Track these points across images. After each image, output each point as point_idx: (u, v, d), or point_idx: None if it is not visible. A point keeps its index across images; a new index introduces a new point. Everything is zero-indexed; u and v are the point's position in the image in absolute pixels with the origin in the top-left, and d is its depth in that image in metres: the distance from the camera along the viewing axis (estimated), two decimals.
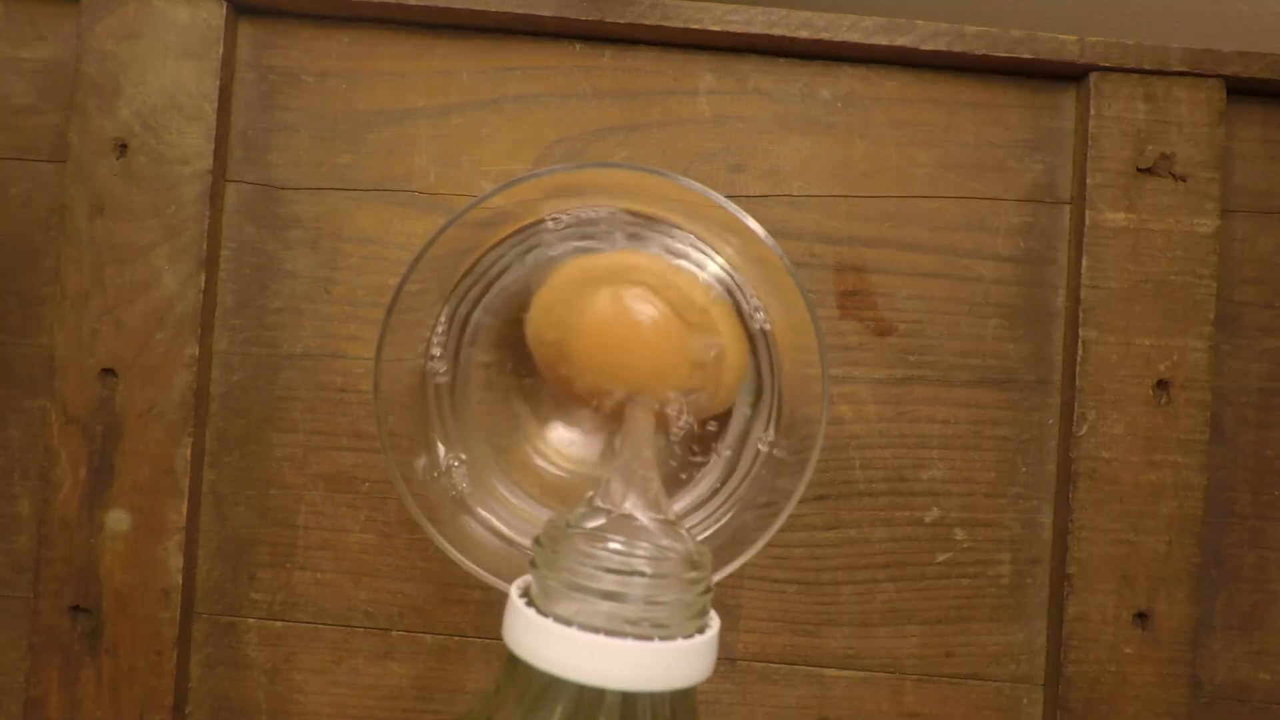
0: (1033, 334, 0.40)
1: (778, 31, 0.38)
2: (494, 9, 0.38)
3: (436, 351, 0.36)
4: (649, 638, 0.25)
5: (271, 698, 0.39)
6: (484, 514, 0.36)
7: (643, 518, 0.27)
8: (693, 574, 0.26)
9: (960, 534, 0.39)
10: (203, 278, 0.38)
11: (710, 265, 0.37)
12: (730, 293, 0.36)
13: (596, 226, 0.36)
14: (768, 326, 0.36)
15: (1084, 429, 0.38)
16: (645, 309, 0.34)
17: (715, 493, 0.37)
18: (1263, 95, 0.40)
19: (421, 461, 0.35)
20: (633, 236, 0.37)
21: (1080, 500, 0.38)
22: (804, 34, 0.38)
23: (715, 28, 0.38)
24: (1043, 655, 0.39)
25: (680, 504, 0.38)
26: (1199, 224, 0.38)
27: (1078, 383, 0.38)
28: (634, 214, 0.37)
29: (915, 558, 0.39)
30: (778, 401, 0.36)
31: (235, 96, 0.40)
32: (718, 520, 0.36)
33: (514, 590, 0.27)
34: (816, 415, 0.34)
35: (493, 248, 0.36)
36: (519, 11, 0.38)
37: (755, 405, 0.37)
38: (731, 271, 0.36)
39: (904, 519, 0.39)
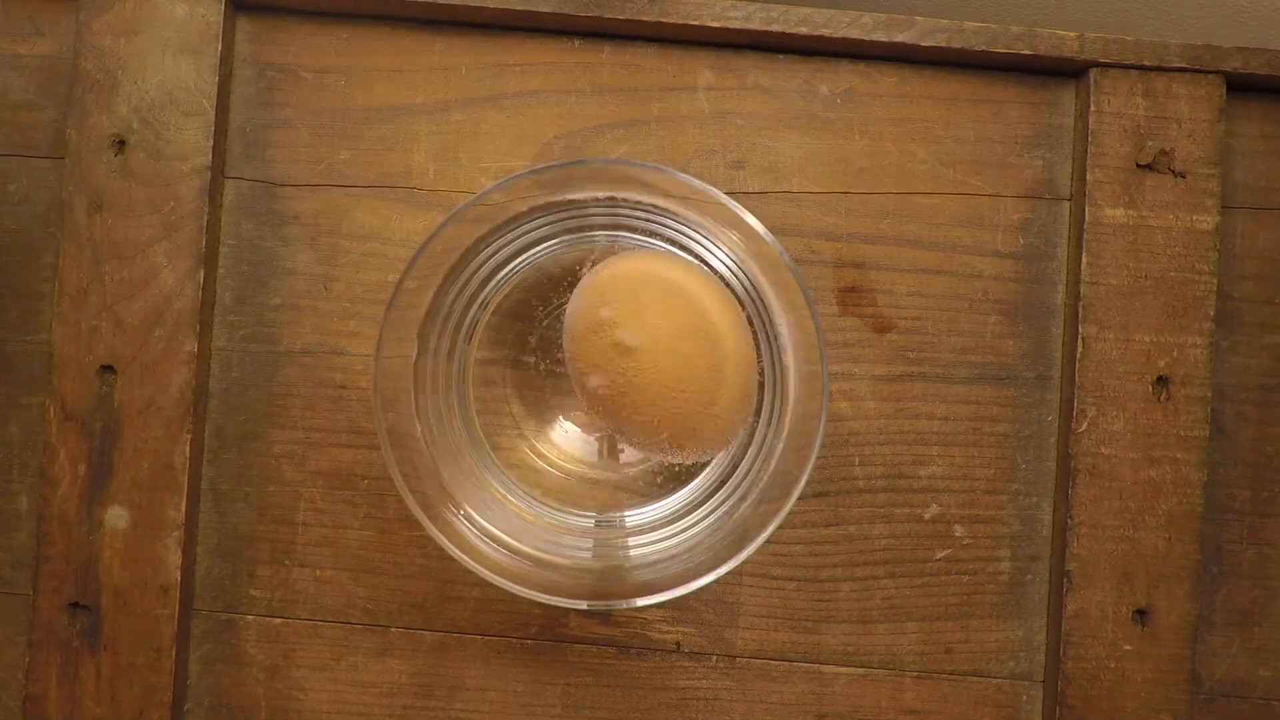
0: (1032, 330, 0.40)
1: (776, 28, 0.38)
2: (492, 5, 0.38)
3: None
4: None
5: (271, 695, 0.39)
6: (478, 519, 0.36)
7: None
8: None
9: (960, 530, 0.39)
10: (201, 274, 0.38)
11: (729, 278, 0.37)
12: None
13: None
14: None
15: (1084, 425, 0.38)
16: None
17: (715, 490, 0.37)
18: (1262, 91, 0.40)
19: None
20: (633, 230, 0.37)
21: (1080, 497, 0.38)
22: (803, 30, 0.38)
23: (714, 24, 0.38)
24: (1042, 652, 0.39)
25: (678, 500, 0.38)
26: (1198, 220, 0.38)
27: (1077, 379, 0.38)
28: (635, 210, 0.37)
29: (915, 554, 0.39)
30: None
31: (233, 93, 0.40)
32: (718, 517, 0.36)
33: None
34: (816, 412, 0.34)
35: (488, 241, 0.36)
36: (518, 8, 0.38)
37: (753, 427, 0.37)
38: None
39: (903, 515, 0.39)
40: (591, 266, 0.35)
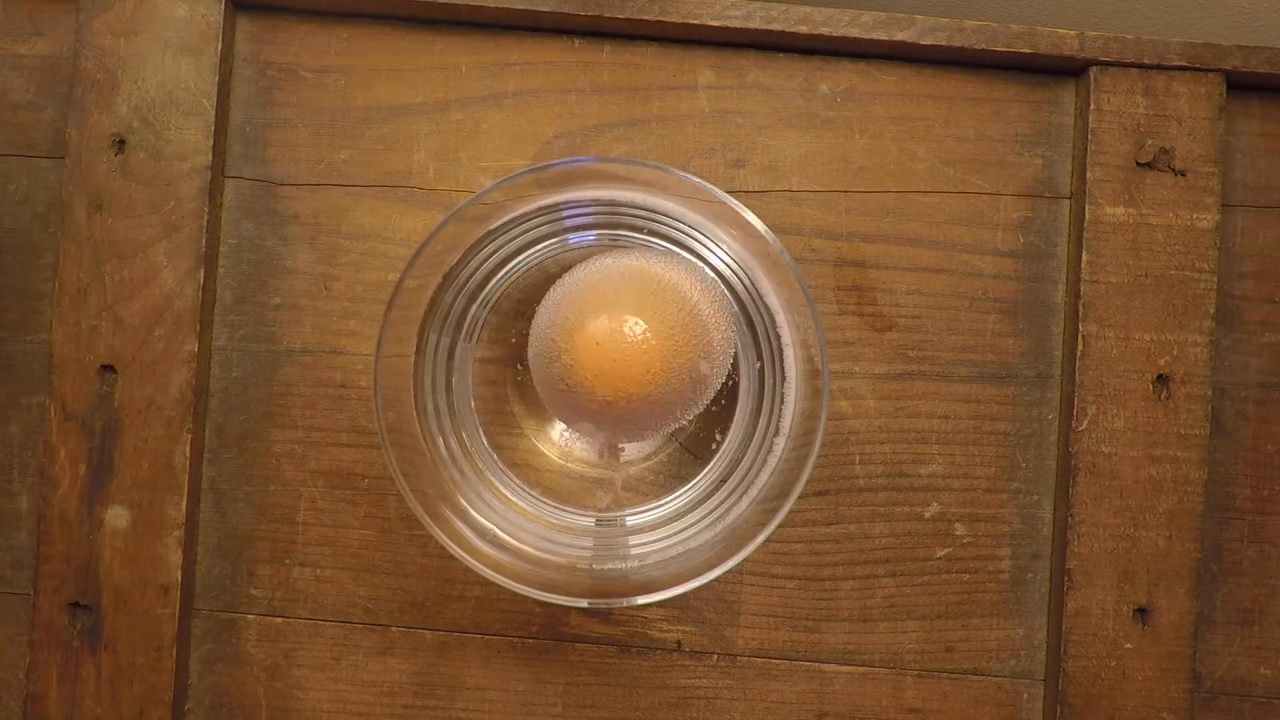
0: (1032, 329, 0.40)
1: (777, 27, 0.38)
2: (493, 5, 0.38)
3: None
4: None
5: (271, 694, 0.39)
6: (479, 518, 0.36)
7: None
8: None
9: (960, 529, 0.39)
10: (201, 274, 0.38)
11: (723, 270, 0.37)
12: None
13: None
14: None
15: (1084, 424, 0.38)
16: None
17: (715, 490, 0.37)
18: (1262, 90, 0.40)
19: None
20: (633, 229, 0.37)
21: (1080, 495, 0.38)
22: (803, 29, 0.38)
23: (714, 23, 0.38)
24: (1043, 650, 0.39)
25: (678, 500, 0.38)
26: (1199, 218, 0.38)
27: (1078, 378, 0.38)
28: (635, 210, 0.37)
29: (915, 553, 0.39)
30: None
31: (234, 92, 0.40)
32: (718, 516, 0.36)
33: None
34: (816, 410, 0.34)
35: (488, 240, 0.36)
36: (518, 7, 0.38)
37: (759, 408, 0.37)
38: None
39: (904, 514, 0.39)
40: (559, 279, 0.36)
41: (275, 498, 0.39)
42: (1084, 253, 0.38)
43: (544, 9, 0.38)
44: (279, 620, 0.39)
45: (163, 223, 0.38)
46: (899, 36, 0.38)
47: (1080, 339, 0.38)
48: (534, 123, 0.40)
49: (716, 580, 0.34)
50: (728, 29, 0.38)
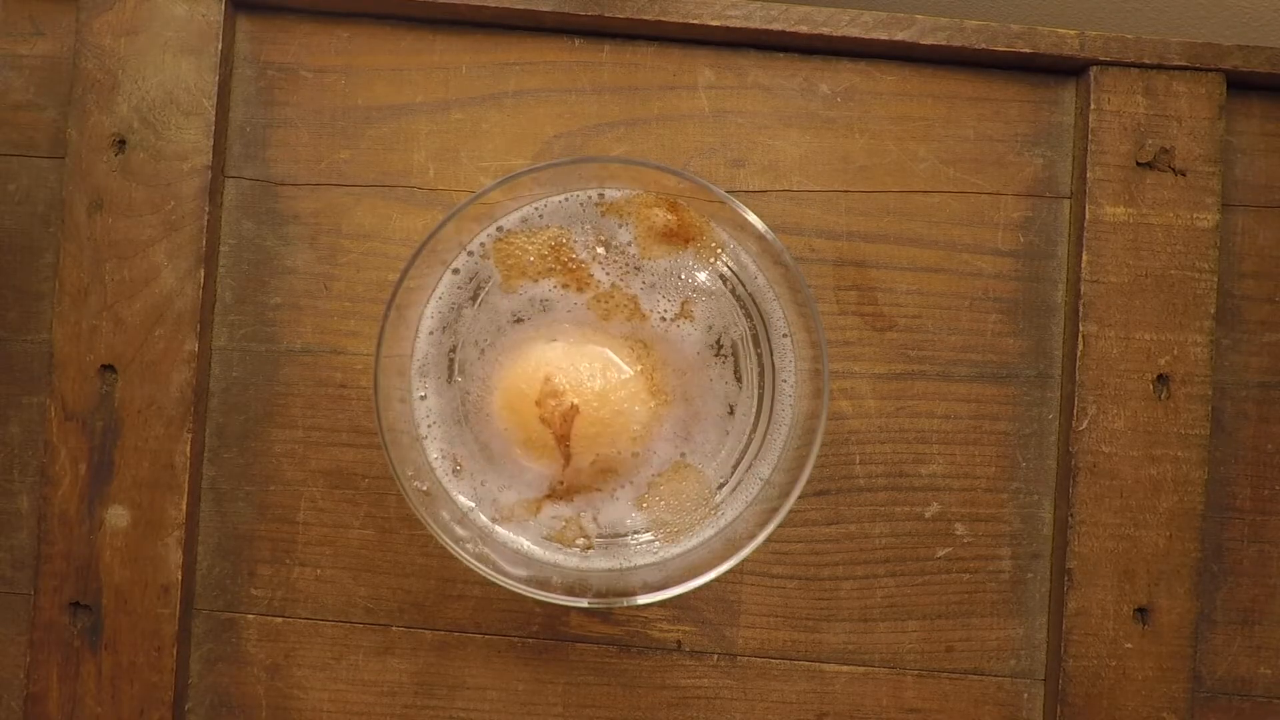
0: (1033, 329, 0.40)
1: (777, 26, 0.38)
2: (493, 4, 0.38)
3: None
4: None
5: (271, 694, 0.39)
6: (479, 517, 0.36)
7: None
8: None
9: (960, 529, 0.39)
10: (202, 274, 0.38)
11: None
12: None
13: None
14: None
15: (1084, 424, 0.38)
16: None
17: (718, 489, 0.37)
18: (1263, 90, 0.40)
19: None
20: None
21: (1080, 495, 0.38)
22: (803, 29, 0.38)
23: (714, 23, 0.38)
24: (1043, 650, 0.39)
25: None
26: (1199, 218, 0.38)
27: (1078, 377, 0.38)
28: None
29: (915, 553, 0.39)
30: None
31: (234, 92, 0.40)
32: (718, 516, 0.36)
33: None
34: (816, 410, 0.34)
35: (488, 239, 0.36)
36: (518, 7, 0.38)
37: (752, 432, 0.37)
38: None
39: (904, 514, 0.39)
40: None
41: (275, 498, 0.39)
42: (1084, 252, 0.38)
43: (544, 9, 0.38)
44: (279, 620, 0.39)
45: (163, 222, 0.38)
46: (899, 36, 0.38)
47: (1080, 339, 0.38)
48: (534, 123, 0.40)
49: (716, 580, 0.34)
50: (728, 29, 0.38)
